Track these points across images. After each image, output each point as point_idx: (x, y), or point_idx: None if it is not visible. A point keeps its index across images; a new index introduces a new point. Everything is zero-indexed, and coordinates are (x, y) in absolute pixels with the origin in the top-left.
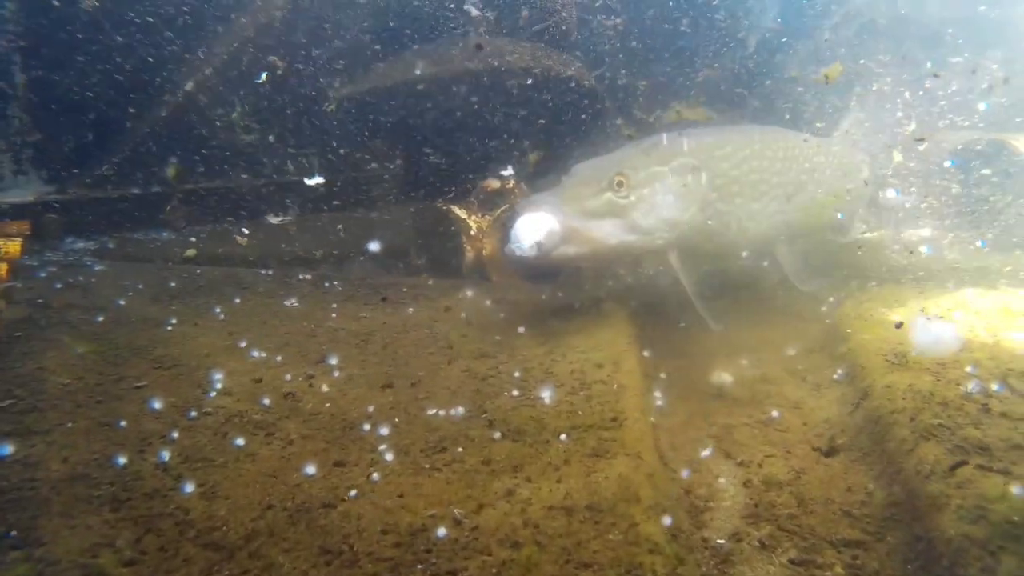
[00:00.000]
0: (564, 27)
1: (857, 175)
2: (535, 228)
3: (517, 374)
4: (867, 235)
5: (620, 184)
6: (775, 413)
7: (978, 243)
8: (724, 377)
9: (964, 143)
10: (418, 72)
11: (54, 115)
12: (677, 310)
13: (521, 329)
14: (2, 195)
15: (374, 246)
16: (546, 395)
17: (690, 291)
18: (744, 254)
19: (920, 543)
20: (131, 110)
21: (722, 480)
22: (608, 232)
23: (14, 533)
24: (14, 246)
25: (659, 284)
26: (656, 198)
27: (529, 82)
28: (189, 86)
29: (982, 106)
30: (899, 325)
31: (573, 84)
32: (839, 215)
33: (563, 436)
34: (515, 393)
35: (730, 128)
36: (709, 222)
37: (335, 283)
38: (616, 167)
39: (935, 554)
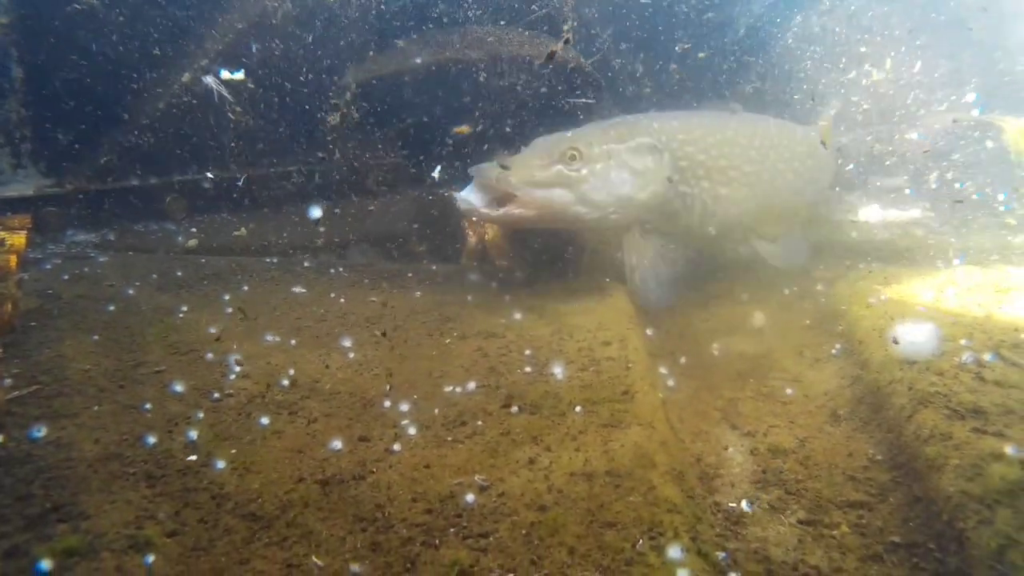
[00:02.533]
0: (560, 15)
1: (831, 161)
2: (483, 190)
3: (528, 352)
4: (855, 218)
5: (572, 157)
6: (777, 386)
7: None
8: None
9: (954, 121)
10: (418, 60)
11: (51, 108)
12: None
13: (527, 311)
14: (2, 189)
15: (376, 233)
16: (558, 371)
17: (629, 268)
18: (715, 236)
19: (920, 502)
20: (128, 102)
21: (730, 450)
22: (555, 201)
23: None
24: (19, 239)
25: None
26: (610, 174)
27: (529, 69)
28: (185, 77)
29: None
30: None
31: (572, 70)
32: (812, 199)
33: (578, 408)
34: (528, 370)
35: (702, 113)
36: (673, 204)
37: (340, 270)
38: (571, 141)
39: (935, 510)
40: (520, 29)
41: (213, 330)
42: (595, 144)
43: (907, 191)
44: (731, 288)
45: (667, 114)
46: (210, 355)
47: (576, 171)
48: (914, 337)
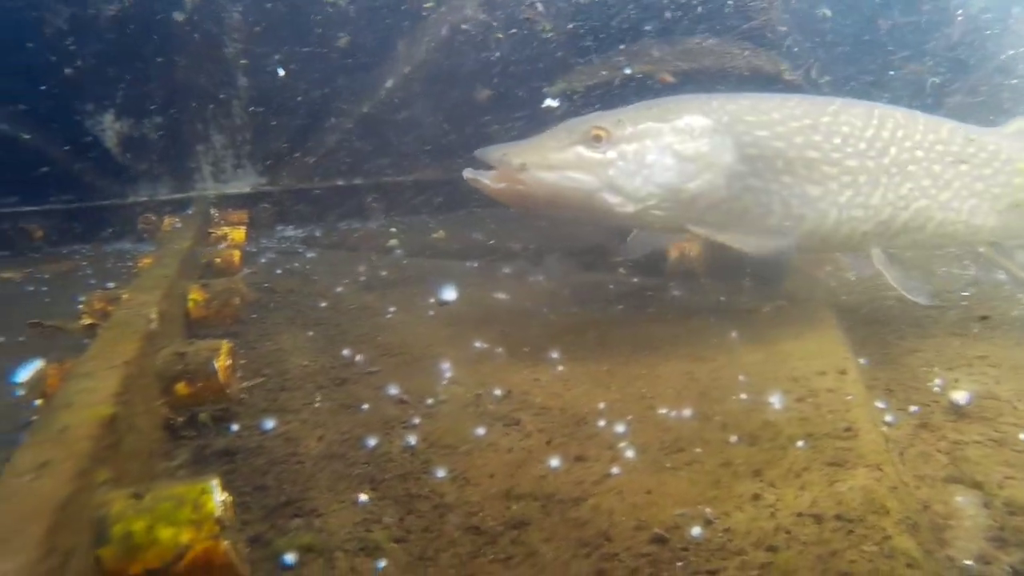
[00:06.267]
0: (770, 26)
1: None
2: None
3: (741, 378)
4: None
5: (597, 138)
6: (1009, 432)
7: None
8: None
9: None
10: (628, 71)
11: (269, 114)
12: (885, 317)
13: (734, 332)
14: (225, 186)
15: (573, 243)
16: (775, 401)
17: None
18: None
19: None
20: (335, 107)
21: (959, 499)
22: (570, 187)
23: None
24: (240, 234)
25: (861, 288)
26: (647, 158)
27: (738, 80)
28: (389, 83)
29: None
30: None
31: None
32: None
33: (800, 443)
34: (743, 397)
35: (791, 96)
36: (742, 201)
37: (540, 278)
38: (597, 120)
39: None
40: (729, 40)
41: (421, 332)
42: (628, 123)
43: None
44: (944, 316)
45: (742, 94)
46: (420, 359)
47: (601, 153)
48: None
